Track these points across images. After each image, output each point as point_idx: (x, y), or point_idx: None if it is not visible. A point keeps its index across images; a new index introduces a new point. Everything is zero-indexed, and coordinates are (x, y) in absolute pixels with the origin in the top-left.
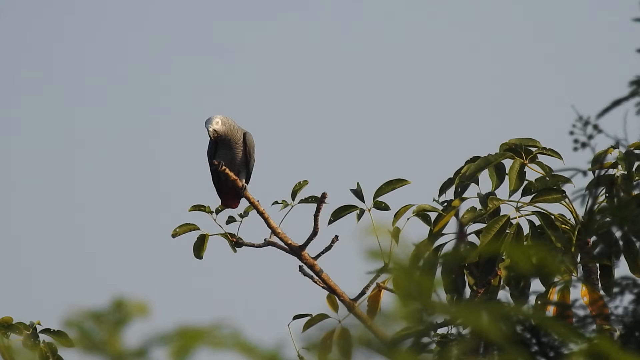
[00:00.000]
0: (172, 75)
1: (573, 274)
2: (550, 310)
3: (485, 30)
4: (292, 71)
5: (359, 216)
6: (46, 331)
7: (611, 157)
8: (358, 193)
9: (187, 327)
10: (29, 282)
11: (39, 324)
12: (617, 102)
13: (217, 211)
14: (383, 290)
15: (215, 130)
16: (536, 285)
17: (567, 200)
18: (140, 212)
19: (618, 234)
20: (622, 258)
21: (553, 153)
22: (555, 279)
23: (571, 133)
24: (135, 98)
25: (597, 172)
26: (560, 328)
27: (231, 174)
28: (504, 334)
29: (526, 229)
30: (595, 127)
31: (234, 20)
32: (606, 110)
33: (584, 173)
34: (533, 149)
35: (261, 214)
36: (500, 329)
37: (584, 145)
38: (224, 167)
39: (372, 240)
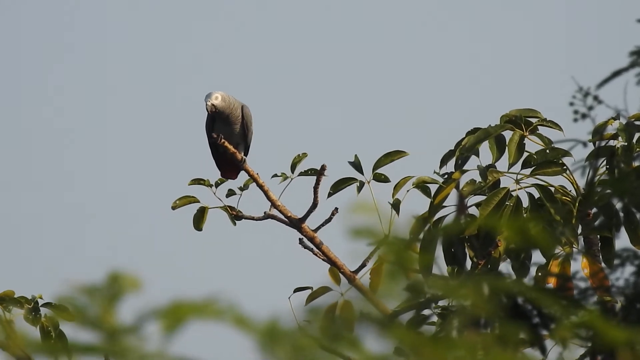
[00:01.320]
0: (173, 48)
1: (574, 245)
2: (551, 282)
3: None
4: (291, 42)
5: (359, 188)
6: (48, 305)
7: (611, 129)
8: (357, 165)
9: (181, 301)
10: (30, 256)
11: (41, 297)
12: (617, 73)
13: (217, 184)
14: (386, 263)
15: (213, 105)
16: (537, 256)
17: (567, 171)
18: (141, 184)
19: (618, 205)
20: (623, 230)
21: (553, 124)
22: (556, 251)
23: (571, 104)
24: (136, 70)
25: (597, 143)
26: (555, 303)
27: (230, 147)
28: (503, 306)
29: (526, 202)
30: (595, 98)
31: None
32: (606, 80)
33: (584, 144)
34: (533, 120)
35: (261, 186)
36: (497, 303)
37: (584, 116)
38: (223, 141)
39: (369, 214)
